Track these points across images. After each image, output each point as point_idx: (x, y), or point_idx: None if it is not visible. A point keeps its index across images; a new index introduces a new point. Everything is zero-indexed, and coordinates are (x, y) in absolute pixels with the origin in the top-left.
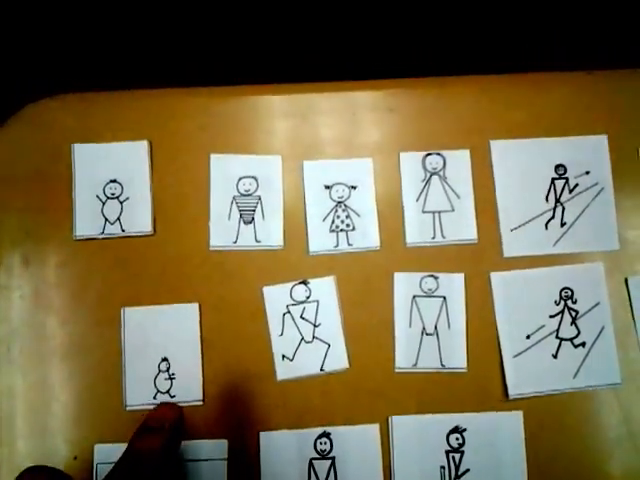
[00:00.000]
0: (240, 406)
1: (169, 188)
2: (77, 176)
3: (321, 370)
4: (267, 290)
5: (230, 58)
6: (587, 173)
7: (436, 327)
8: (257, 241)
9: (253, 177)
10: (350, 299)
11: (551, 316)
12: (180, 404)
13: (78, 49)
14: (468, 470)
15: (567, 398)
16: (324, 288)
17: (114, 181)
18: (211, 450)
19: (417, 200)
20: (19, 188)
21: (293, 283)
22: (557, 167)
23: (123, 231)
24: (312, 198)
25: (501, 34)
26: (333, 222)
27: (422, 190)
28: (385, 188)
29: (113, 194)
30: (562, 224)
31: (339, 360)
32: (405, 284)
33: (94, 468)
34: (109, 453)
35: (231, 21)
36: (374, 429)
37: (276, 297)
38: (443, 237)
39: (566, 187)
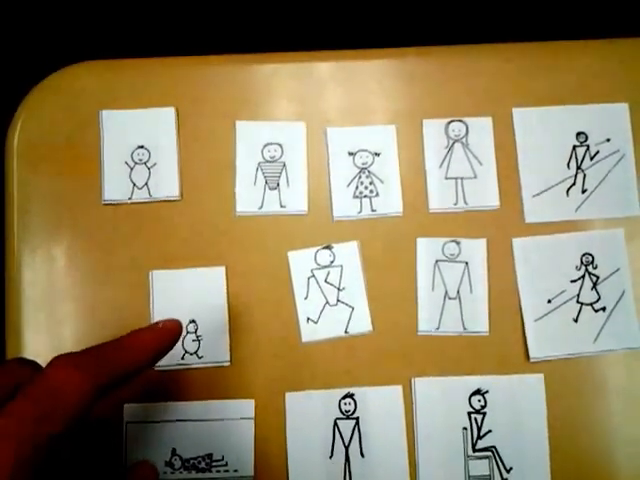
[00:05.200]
0: (266, 367)
1: (195, 154)
2: (105, 142)
3: (345, 333)
4: (292, 255)
5: (256, 26)
6: (608, 140)
7: (458, 291)
8: (282, 207)
9: (278, 144)
10: (373, 264)
11: (572, 281)
12: (208, 365)
13: (105, 16)
14: (490, 431)
15: (587, 361)
16: (348, 253)
17: (142, 147)
18: (239, 410)
19: (440, 167)
20: (48, 154)
21: (317, 248)
22: (578, 134)
23: (150, 196)
24: (336, 164)
25: (523, 1)
26: (357, 188)
27: (445, 157)
28: (408, 155)
29: (141, 160)
30: (583, 191)
31: (363, 323)
32: (428, 249)
33: (124, 426)
34: (137, 413)
35: None
36: (397, 390)
37: (301, 261)
38: (465, 203)
39: (587, 154)
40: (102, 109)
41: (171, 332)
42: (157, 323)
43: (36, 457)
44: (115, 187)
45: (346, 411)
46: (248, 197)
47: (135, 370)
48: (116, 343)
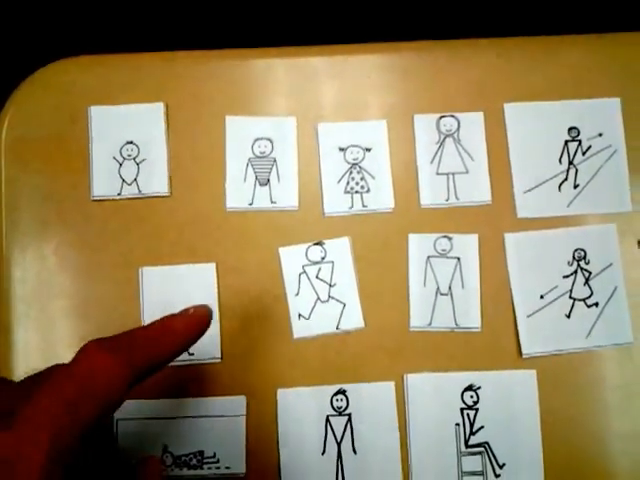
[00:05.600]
0: (258, 364)
1: (185, 150)
2: (94, 138)
3: (337, 329)
4: (283, 251)
5: (246, 21)
6: (600, 135)
7: (450, 287)
8: (272, 202)
9: (268, 139)
10: (365, 260)
11: (564, 276)
12: (199, 362)
13: (94, 10)
14: (482, 427)
15: (580, 357)
16: (339, 249)
17: (131, 143)
18: (230, 406)
19: (431, 162)
20: (36, 150)
21: (308, 244)
22: (570, 129)
23: (140, 192)
24: (327, 160)
25: None
26: (348, 184)
27: (436, 152)
28: (399, 150)
29: (130, 155)
30: (575, 186)
31: (354, 319)
32: (419, 245)
33: (115, 423)
34: (128, 408)
35: None
36: (390, 386)
37: (292, 257)
38: (457, 199)
39: (579, 149)
40: (91, 104)
41: (202, 318)
42: (188, 309)
43: (70, 445)
44: (104, 183)
45: (338, 407)
46: (238, 193)
47: (169, 356)
48: (149, 329)
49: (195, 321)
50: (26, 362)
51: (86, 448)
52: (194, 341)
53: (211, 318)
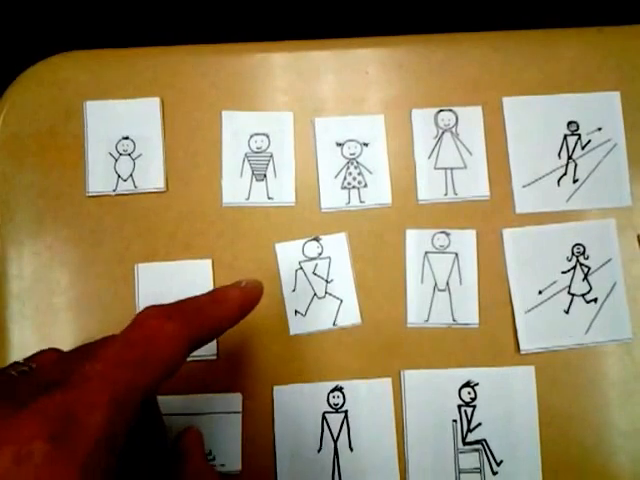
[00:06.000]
0: (254, 361)
1: (181, 145)
2: (89, 133)
3: (334, 325)
4: (279, 246)
5: (242, 15)
6: (599, 129)
7: (448, 283)
8: (269, 198)
9: (265, 134)
10: (362, 255)
11: (563, 272)
12: (194, 359)
13: (88, 5)
14: (480, 424)
15: (579, 353)
16: (336, 244)
17: (126, 138)
18: (226, 404)
19: (429, 157)
20: (31, 146)
21: (305, 239)
22: (569, 124)
23: (136, 188)
24: (324, 155)
25: None
26: (345, 179)
27: (434, 147)
28: (397, 145)
29: (125, 151)
30: (574, 180)
31: (351, 315)
32: (417, 240)
33: None
34: None
35: None
36: (386, 383)
37: (288, 253)
38: (455, 194)
39: (578, 143)
40: (86, 100)
41: (255, 290)
42: (240, 281)
43: (130, 405)
44: (100, 179)
45: (335, 404)
46: (235, 188)
47: (224, 324)
48: (204, 298)
49: (249, 293)
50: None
51: (145, 415)
52: (247, 312)
53: (262, 292)
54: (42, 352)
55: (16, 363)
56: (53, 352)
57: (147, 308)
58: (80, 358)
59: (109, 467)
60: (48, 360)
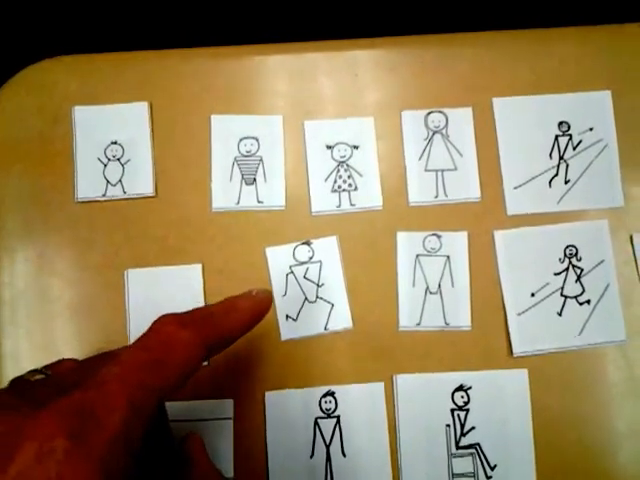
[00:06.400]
0: (245, 366)
1: (170, 149)
2: (78, 138)
3: (325, 329)
4: (270, 251)
5: (230, 18)
6: (591, 129)
7: (440, 286)
8: (259, 202)
9: (254, 138)
10: (353, 259)
11: (556, 274)
12: None
13: (77, 10)
14: (473, 428)
15: (572, 356)
16: (327, 248)
17: (115, 143)
18: (217, 410)
19: (420, 159)
20: (20, 151)
21: (296, 244)
22: (560, 124)
23: (125, 193)
24: (314, 158)
25: None
26: (335, 182)
27: (424, 149)
28: (387, 147)
29: (114, 156)
30: (566, 181)
31: (343, 320)
32: (408, 243)
33: None
34: None
35: None
36: (379, 387)
37: (279, 258)
38: (446, 196)
39: (570, 144)
40: (74, 105)
41: (265, 299)
42: (251, 291)
43: (146, 407)
44: (89, 184)
45: (327, 409)
46: (224, 193)
47: (236, 333)
48: (216, 307)
49: (259, 302)
50: (13, 367)
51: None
52: (258, 321)
53: (271, 301)
54: (60, 361)
55: (34, 370)
56: (70, 361)
57: (163, 316)
58: (97, 364)
59: (127, 468)
60: (65, 368)
